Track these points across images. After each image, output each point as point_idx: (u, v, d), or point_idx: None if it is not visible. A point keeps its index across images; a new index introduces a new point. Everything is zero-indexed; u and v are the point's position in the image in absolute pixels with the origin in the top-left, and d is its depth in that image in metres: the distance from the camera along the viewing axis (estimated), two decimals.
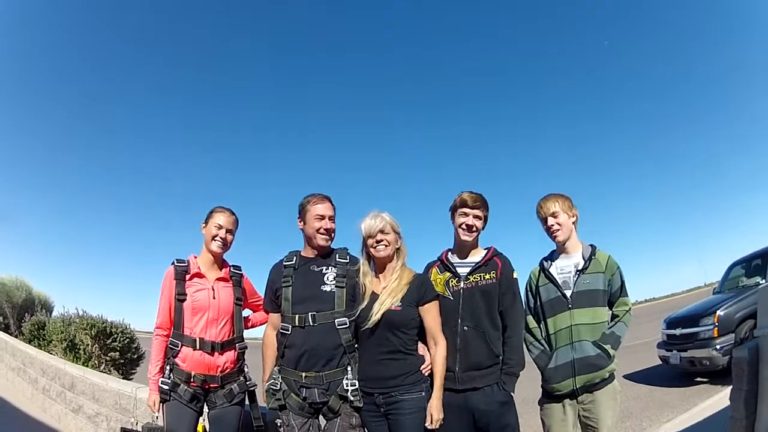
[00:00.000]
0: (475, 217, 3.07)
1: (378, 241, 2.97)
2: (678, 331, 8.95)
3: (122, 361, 8.75)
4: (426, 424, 2.81)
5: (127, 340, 8.98)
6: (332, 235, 3.14)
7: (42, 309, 10.99)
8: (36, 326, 9.68)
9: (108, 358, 8.44)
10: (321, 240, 3.10)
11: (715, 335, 8.14)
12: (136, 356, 9.17)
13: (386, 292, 2.91)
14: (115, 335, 8.72)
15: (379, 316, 2.83)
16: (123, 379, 7.80)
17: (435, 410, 2.81)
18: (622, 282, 3.20)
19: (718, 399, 6.63)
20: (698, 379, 8.57)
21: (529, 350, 3.23)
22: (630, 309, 3.24)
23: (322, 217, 3.09)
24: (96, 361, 8.27)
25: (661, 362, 9.39)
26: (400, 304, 2.87)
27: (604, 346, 3.07)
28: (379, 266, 3.04)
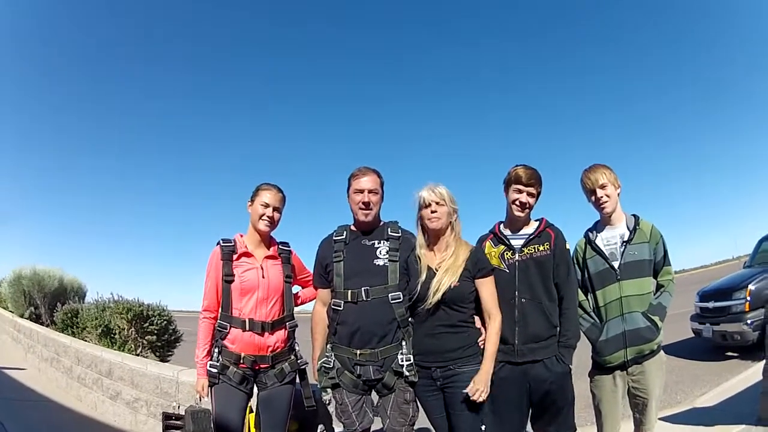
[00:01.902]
0: (529, 194, 3.03)
1: (432, 212, 2.93)
2: (711, 304, 8.90)
3: (159, 343, 8.76)
4: (468, 391, 2.77)
5: (165, 322, 8.96)
6: (371, 208, 3.05)
7: (75, 296, 11.01)
8: (69, 314, 9.69)
9: (145, 342, 8.47)
10: (360, 215, 3.06)
11: (747, 309, 8.10)
12: (173, 338, 9.18)
13: (443, 270, 2.86)
14: (152, 318, 8.71)
15: (439, 296, 2.80)
16: (160, 361, 7.83)
17: (482, 383, 2.78)
18: (665, 251, 3.18)
19: (749, 374, 6.65)
20: (729, 353, 8.54)
21: (579, 323, 3.19)
22: (673, 278, 3.23)
23: (362, 191, 3.04)
24: (132, 345, 8.31)
25: (693, 335, 9.34)
26: (457, 280, 2.84)
27: (653, 317, 3.07)
28: (432, 238, 3.00)
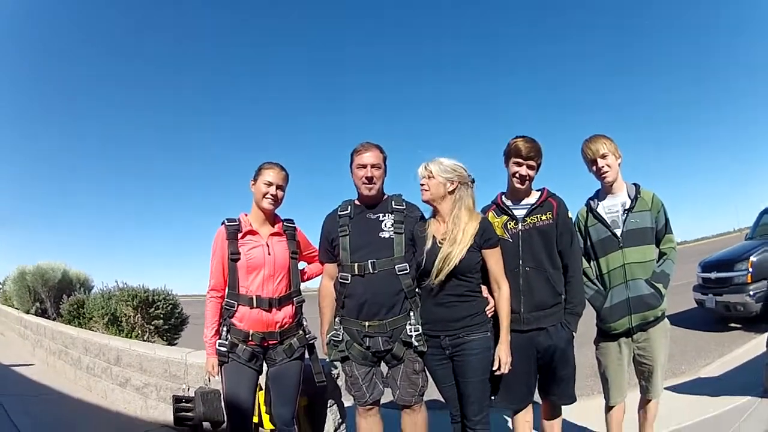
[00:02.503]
0: (529, 167, 3.03)
1: (421, 185, 2.98)
2: (713, 275, 8.95)
3: (166, 327, 8.78)
4: (493, 368, 2.84)
5: (171, 306, 8.96)
6: (374, 183, 3.08)
7: (81, 288, 11.01)
8: (75, 305, 9.70)
9: (151, 327, 8.49)
10: (364, 189, 3.09)
11: (749, 281, 8.16)
12: (179, 321, 9.19)
13: (449, 243, 2.86)
14: (158, 303, 8.72)
15: (448, 270, 2.81)
16: (167, 345, 7.87)
17: (504, 354, 2.84)
18: (667, 219, 3.20)
19: (753, 345, 6.74)
20: (732, 324, 8.60)
21: (593, 303, 3.24)
22: (675, 246, 3.25)
23: (364, 166, 3.06)
24: (139, 331, 8.33)
25: (696, 306, 9.42)
26: (465, 253, 2.85)
27: (656, 285, 3.10)
28: (434, 210, 3.03)
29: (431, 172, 2.94)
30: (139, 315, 8.36)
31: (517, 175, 3.05)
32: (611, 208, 3.22)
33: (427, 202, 3.01)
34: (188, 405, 4.32)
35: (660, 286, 3.10)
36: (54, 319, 10.19)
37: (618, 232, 3.15)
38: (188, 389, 4.78)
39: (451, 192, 2.95)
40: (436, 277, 2.83)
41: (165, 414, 5.21)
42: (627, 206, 3.17)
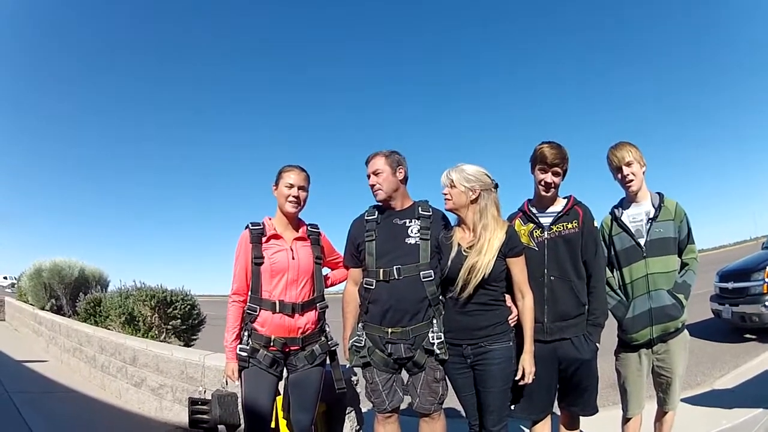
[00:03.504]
0: (554, 173, 3.02)
1: (443, 194, 2.97)
2: (730, 285, 8.85)
3: (183, 327, 8.81)
4: (517, 378, 2.84)
5: (189, 306, 8.97)
6: (378, 188, 3.10)
7: (97, 286, 11.05)
8: (91, 303, 9.73)
9: (169, 327, 8.52)
10: (375, 195, 3.14)
11: (765, 291, 8.04)
12: (197, 322, 9.21)
13: (475, 253, 2.83)
14: (176, 303, 8.74)
15: (473, 285, 2.80)
16: (185, 346, 7.90)
17: (528, 364, 2.84)
18: (689, 229, 3.19)
19: (767, 357, 6.69)
20: (747, 335, 8.50)
21: (615, 314, 3.23)
22: (697, 257, 3.23)
23: (368, 176, 3.13)
24: (156, 332, 8.37)
25: (712, 316, 9.31)
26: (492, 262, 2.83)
27: (678, 295, 3.08)
28: (464, 218, 2.99)
29: (453, 181, 2.93)
30: (156, 315, 8.38)
31: (542, 182, 3.05)
32: (635, 216, 3.20)
33: (450, 210, 3.01)
34: (204, 407, 4.33)
35: (681, 296, 3.09)
36: (69, 317, 10.26)
37: (642, 241, 3.14)
38: (204, 392, 4.80)
39: (474, 200, 2.92)
40: (463, 290, 2.82)
41: (180, 416, 5.25)
42: (651, 215, 3.15)
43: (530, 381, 2.85)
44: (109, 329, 8.33)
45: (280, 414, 3.43)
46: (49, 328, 9.92)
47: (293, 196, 3.19)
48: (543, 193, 3.08)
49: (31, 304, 12.02)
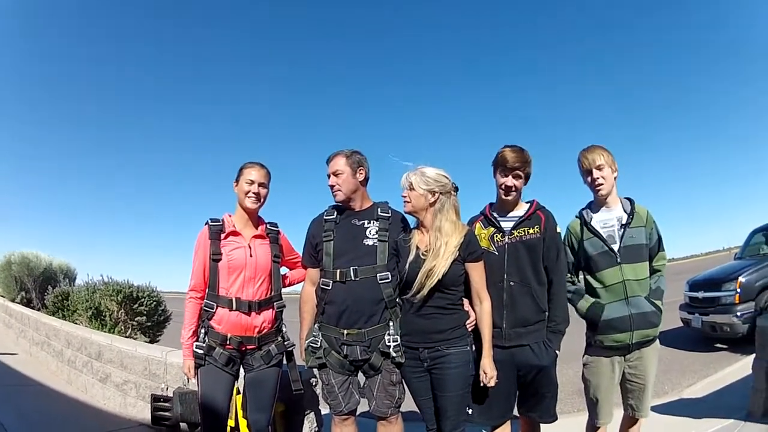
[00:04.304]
0: (515, 177, 2.99)
1: (403, 196, 2.94)
2: (700, 294, 8.93)
3: (149, 324, 8.77)
4: (481, 381, 2.82)
5: (154, 303, 8.97)
6: (337, 189, 3.07)
7: (65, 279, 10.99)
8: (59, 297, 9.66)
9: (135, 323, 8.47)
10: (334, 196, 3.11)
11: (737, 301, 8.12)
12: (162, 318, 9.19)
13: (432, 256, 2.81)
14: (142, 299, 8.72)
15: (428, 288, 2.77)
16: (149, 342, 7.83)
17: (489, 368, 2.82)
18: (659, 236, 3.16)
19: (738, 367, 6.62)
20: (718, 345, 8.55)
21: (574, 304, 3.17)
22: (666, 264, 3.21)
23: (328, 175, 3.09)
24: (122, 327, 8.29)
25: (682, 325, 9.37)
26: (448, 266, 2.81)
27: (656, 302, 3.04)
28: (424, 223, 2.96)
29: (411, 184, 2.90)
30: (122, 310, 8.34)
31: (503, 186, 3.02)
32: (606, 222, 3.14)
33: (409, 213, 2.98)
34: (166, 405, 4.30)
35: (659, 303, 3.05)
36: (38, 309, 10.15)
37: (615, 247, 3.08)
38: (167, 389, 4.76)
39: (433, 203, 2.89)
40: (419, 292, 2.79)
41: (143, 412, 5.17)
42: (624, 221, 3.10)
43: (492, 384, 2.82)
44: (76, 323, 8.22)
45: (240, 413, 3.39)
46: (19, 321, 9.80)
47: (253, 192, 3.17)
48: (504, 197, 3.05)
49: (2, 296, 11.88)
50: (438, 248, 2.82)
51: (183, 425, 4.13)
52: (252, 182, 3.17)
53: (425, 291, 2.77)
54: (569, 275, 3.20)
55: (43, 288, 10.82)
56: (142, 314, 8.61)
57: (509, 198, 3.04)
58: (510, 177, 2.99)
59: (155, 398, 4.41)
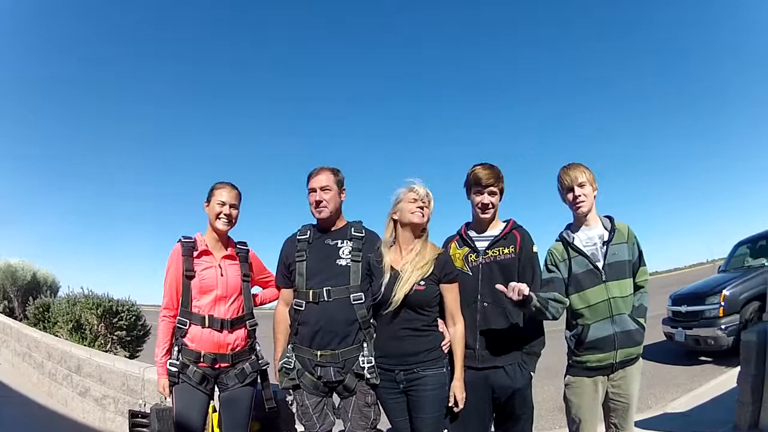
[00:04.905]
0: (490, 194, 2.98)
1: (420, 207, 2.88)
2: (684, 308, 8.94)
3: (129, 338, 8.74)
4: (450, 405, 2.81)
5: (134, 317, 8.95)
6: (323, 207, 3.02)
7: (47, 290, 10.91)
8: (40, 308, 9.61)
9: (114, 337, 8.43)
10: (314, 213, 3.06)
11: (721, 315, 8.13)
12: (142, 333, 9.15)
13: (409, 270, 2.81)
14: (122, 313, 8.70)
15: (401, 295, 2.75)
16: (129, 357, 7.82)
17: (458, 391, 2.81)
18: (641, 251, 3.12)
19: (723, 380, 6.58)
20: (702, 358, 8.56)
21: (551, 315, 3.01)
22: (648, 279, 3.18)
23: (314, 190, 3.03)
24: (102, 341, 8.24)
25: (665, 338, 9.37)
26: (423, 282, 2.80)
27: (639, 320, 3.00)
28: (404, 238, 2.94)
29: (430, 196, 2.93)
30: (102, 324, 8.30)
31: (479, 204, 3.01)
32: (588, 240, 3.09)
33: (418, 225, 2.91)
34: (144, 421, 4.24)
35: (642, 321, 3.01)
36: (20, 320, 10.07)
37: (599, 265, 3.03)
38: (144, 405, 4.71)
39: (428, 221, 2.94)
40: (396, 314, 2.79)
41: (122, 428, 5.12)
42: (605, 238, 3.06)
43: (461, 407, 2.81)
44: (57, 335, 8.20)
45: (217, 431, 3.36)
46: (1, 331, 9.72)
47: (224, 214, 3.19)
48: (481, 216, 3.03)
49: None
50: (415, 262, 2.84)
51: None
52: (223, 204, 3.18)
53: (396, 299, 2.77)
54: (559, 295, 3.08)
55: (25, 298, 10.74)
56: (122, 328, 8.58)
57: (487, 216, 3.03)
58: (486, 194, 2.98)
59: (133, 414, 4.37)
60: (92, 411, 5.95)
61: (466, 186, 3.09)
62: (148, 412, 4.18)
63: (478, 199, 3.00)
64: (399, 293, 2.76)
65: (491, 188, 2.98)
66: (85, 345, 7.70)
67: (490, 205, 3.00)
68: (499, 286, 2.75)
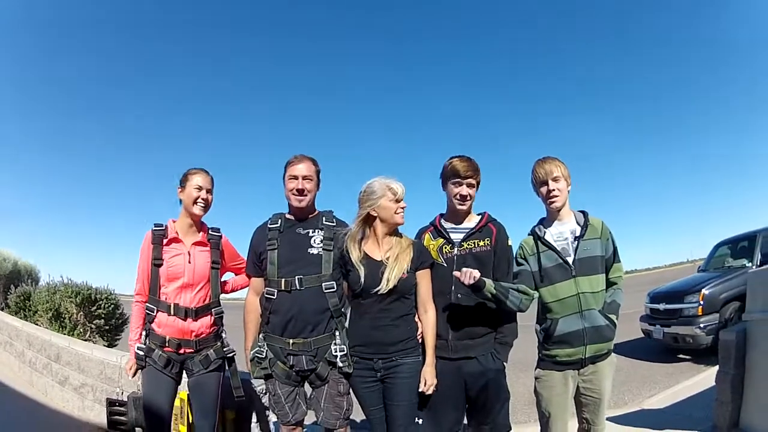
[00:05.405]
0: (469, 185, 3.00)
1: (402, 207, 2.95)
2: (662, 306, 9.03)
3: (107, 327, 8.73)
4: (420, 389, 2.83)
5: (112, 306, 8.95)
6: (304, 195, 3.01)
7: (28, 279, 10.84)
8: (21, 297, 9.54)
9: (93, 326, 8.41)
10: (294, 201, 3.03)
11: (700, 313, 8.20)
12: (120, 322, 9.15)
13: (393, 260, 2.87)
14: (100, 302, 8.68)
15: (394, 281, 2.80)
16: (108, 346, 7.80)
17: (429, 375, 2.84)
18: (615, 248, 3.09)
19: (701, 378, 6.60)
20: (681, 355, 8.63)
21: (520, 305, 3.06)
22: (623, 275, 3.14)
23: (296, 178, 3.00)
24: (81, 330, 8.22)
25: (642, 336, 9.47)
26: (406, 271, 2.85)
27: (610, 316, 2.97)
28: (382, 232, 2.97)
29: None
30: (81, 313, 8.26)
31: (458, 195, 3.01)
32: (560, 235, 3.07)
33: (399, 224, 3.00)
34: (122, 409, 4.27)
35: (613, 317, 2.98)
36: (2, 309, 9.99)
37: (569, 260, 3.00)
38: (122, 393, 4.72)
39: None
40: (381, 300, 2.84)
41: (101, 416, 5.11)
42: (577, 233, 3.03)
43: (431, 392, 2.84)
44: (37, 324, 8.15)
45: (191, 418, 3.39)
46: None
47: (202, 199, 3.22)
48: (459, 207, 3.04)
49: None
50: (397, 253, 2.91)
51: (138, 430, 4.09)
52: (200, 188, 3.21)
53: (386, 289, 2.81)
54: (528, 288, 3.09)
55: (6, 287, 10.65)
56: (100, 317, 8.56)
57: (464, 207, 3.05)
58: (464, 186, 3.00)
59: (111, 402, 4.38)
60: (71, 399, 5.94)
61: (442, 177, 3.10)
62: (125, 400, 4.20)
63: (456, 190, 3.01)
64: (392, 280, 2.81)
65: (470, 180, 2.99)
66: (64, 334, 7.64)
67: (468, 197, 3.02)
68: (456, 273, 2.78)
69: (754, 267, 8.26)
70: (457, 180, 3.00)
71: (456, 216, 3.11)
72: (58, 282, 9.07)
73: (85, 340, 7.49)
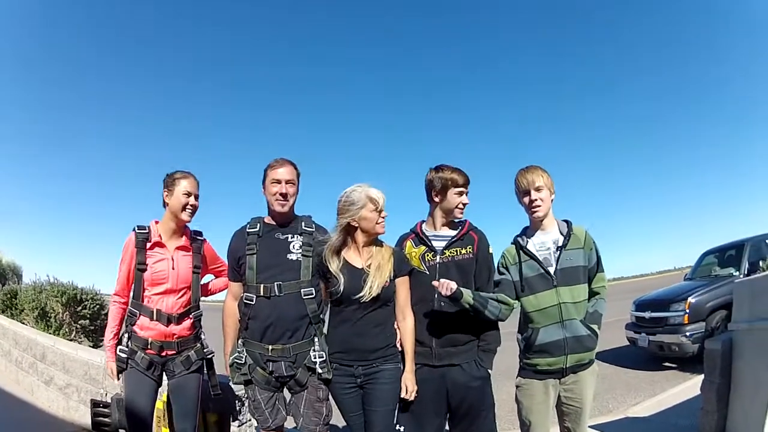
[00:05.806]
0: (466, 194, 3.09)
1: (383, 217, 2.95)
2: (648, 314, 9.05)
3: (92, 327, 8.71)
4: (402, 395, 2.85)
5: (98, 306, 8.94)
6: (288, 199, 3.00)
7: (12, 276, 10.81)
8: (8, 295, 9.43)
9: (78, 326, 8.38)
10: (276, 205, 3.00)
11: (686, 322, 8.23)
12: (105, 322, 8.99)
13: (376, 269, 2.87)
14: (86, 302, 8.68)
15: (378, 289, 2.81)
16: (93, 347, 7.74)
17: (410, 382, 2.86)
18: (599, 257, 3.08)
19: (687, 386, 6.63)
20: (666, 364, 8.66)
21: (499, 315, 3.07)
22: (606, 285, 3.14)
23: (279, 182, 2.98)
24: (67, 329, 8.19)
25: (628, 343, 9.51)
26: (387, 279, 2.87)
27: (592, 326, 2.97)
28: (362, 240, 2.97)
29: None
30: (67, 312, 8.22)
31: (460, 204, 3.06)
32: (542, 245, 3.06)
33: (379, 234, 3.00)
34: (105, 410, 4.23)
35: (595, 327, 2.97)
36: None
37: (551, 270, 2.99)
38: (106, 394, 4.70)
39: None
40: (368, 296, 2.83)
41: (85, 417, 5.09)
42: (560, 243, 3.02)
43: (412, 398, 2.85)
44: (24, 323, 8.11)
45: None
46: None
47: (191, 205, 3.21)
48: (459, 216, 3.12)
49: None
50: (379, 261, 2.91)
51: None
52: (189, 194, 3.19)
53: (369, 296, 2.82)
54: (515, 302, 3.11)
55: None
56: (85, 317, 8.54)
57: (461, 215, 3.12)
58: (465, 195, 3.07)
59: (95, 404, 4.34)
60: (56, 399, 5.93)
61: (440, 188, 3.08)
62: (109, 401, 4.19)
63: (459, 199, 3.06)
64: (375, 289, 2.81)
65: (467, 188, 3.08)
66: (50, 333, 7.62)
67: (466, 205, 3.10)
68: (434, 282, 2.81)
69: (741, 276, 8.27)
70: (460, 189, 3.05)
71: (438, 222, 3.14)
72: (44, 281, 9.07)
73: (71, 340, 7.46)
